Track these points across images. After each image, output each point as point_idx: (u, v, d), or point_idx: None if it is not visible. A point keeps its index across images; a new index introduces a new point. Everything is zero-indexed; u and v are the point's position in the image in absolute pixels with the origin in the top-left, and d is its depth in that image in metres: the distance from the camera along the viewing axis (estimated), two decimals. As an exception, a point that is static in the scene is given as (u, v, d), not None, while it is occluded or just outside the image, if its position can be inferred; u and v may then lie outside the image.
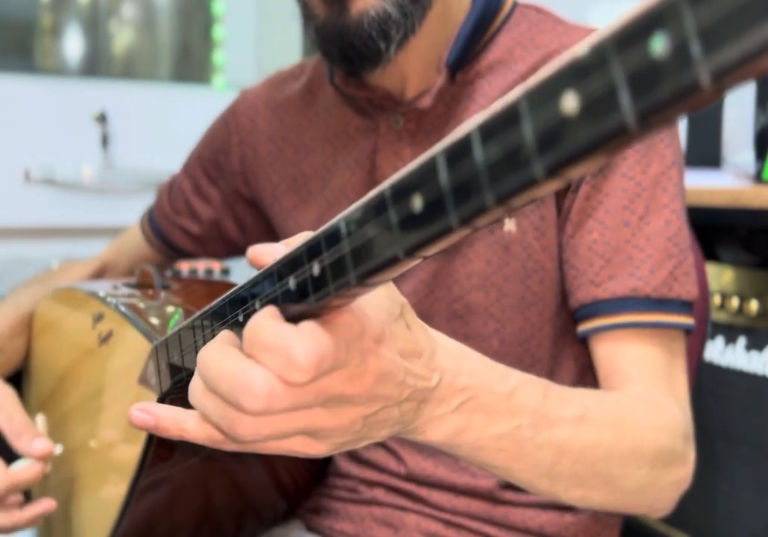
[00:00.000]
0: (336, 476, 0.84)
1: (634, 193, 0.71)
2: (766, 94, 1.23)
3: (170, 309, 0.72)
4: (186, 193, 0.98)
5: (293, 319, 0.39)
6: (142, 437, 0.63)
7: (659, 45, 0.21)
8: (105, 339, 0.73)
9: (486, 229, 0.74)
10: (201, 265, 1.75)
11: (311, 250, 0.37)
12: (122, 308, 0.70)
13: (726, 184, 1.23)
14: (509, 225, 0.74)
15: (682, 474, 0.65)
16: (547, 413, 0.53)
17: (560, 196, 0.73)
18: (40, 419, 0.81)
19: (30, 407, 0.84)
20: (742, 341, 1.18)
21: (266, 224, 0.94)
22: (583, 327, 0.72)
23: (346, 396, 0.41)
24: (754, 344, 1.16)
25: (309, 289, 0.37)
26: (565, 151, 0.24)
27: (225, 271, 1.80)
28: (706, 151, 1.41)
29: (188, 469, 0.66)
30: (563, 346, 0.77)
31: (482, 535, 0.77)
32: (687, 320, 0.71)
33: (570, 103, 0.24)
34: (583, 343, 0.75)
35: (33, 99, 2.13)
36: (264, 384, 0.38)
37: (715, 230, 1.23)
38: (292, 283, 0.38)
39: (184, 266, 1.68)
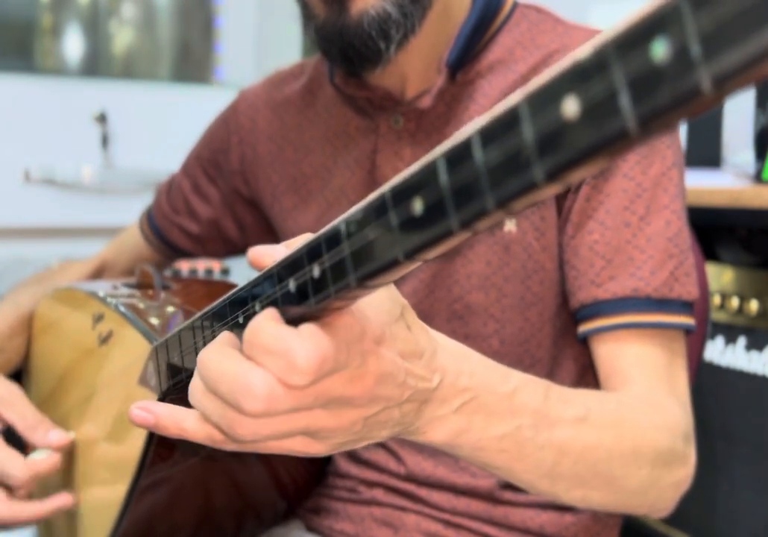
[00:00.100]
0: (336, 476, 0.84)
1: (634, 193, 0.71)
2: (766, 95, 1.23)
3: (170, 309, 0.72)
4: (185, 193, 0.98)
5: (293, 321, 0.39)
6: (143, 437, 0.63)
7: (660, 49, 0.21)
8: (105, 339, 0.73)
9: (485, 231, 0.74)
10: (201, 265, 1.75)
11: (311, 252, 0.37)
12: (122, 308, 0.70)
13: (726, 184, 1.23)
14: (509, 225, 0.74)
15: (682, 474, 0.65)
16: (548, 413, 0.53)
17: (561, 196, 0.73)
18: (41, 419, 0.81)
19: (30, 407, 0.84)
20: (742, 341, 1.18)
21: (265, 224, 0.94)
22: (584, 327, 0.72)
23: (347, 397, 0.41)
24: (754, 344, 1.16)
25: (309, 291, 0.37)
26: (565, 155, 0.24)
27: (225, 272, 1.80)
28: (706, 151, 1.41)
29: (188, 469, 0.67)
30: (563, 347, 0.77)
31: (482, 535, 0.77)
32: (687, 320, 0.71)
33: (571, 107, 0.24)
34: (583, 343, 0.75)
35: (33, 99, 2.13)
36: (264, 386, 0.38)
37: (715, 230, 1.23)
38: (292, 285, 0.38)
39: (184, 266, 1.68)
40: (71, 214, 2.16)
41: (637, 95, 0.22)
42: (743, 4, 0.20)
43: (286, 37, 2.49)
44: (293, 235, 0.44)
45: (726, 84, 0.20)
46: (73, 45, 2.39)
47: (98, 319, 0.74)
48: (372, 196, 0.33)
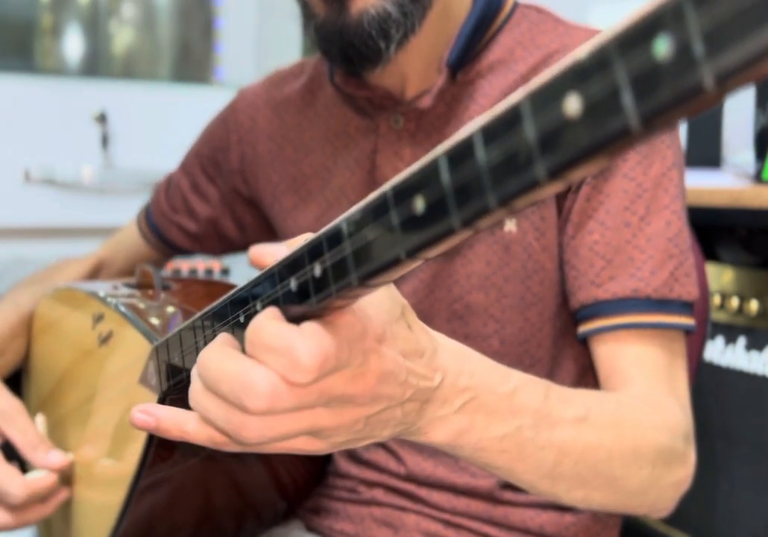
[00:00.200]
0: (336, 476, 0.84)
1: (635, 193, 0.71)
2: (766, 95, 1.23)
3: (170, 309, 0.71)
4: (184, 191, 0.97)
5: (295, 320, 0.39)
6: (142, 438, 0.63)
7: (663, 47, 0.21)
8: (105, 339, 0.72)
9: (486, 230, 0.74)
10: (201, 265, 1.74)
11: (313, 251, 0.37)
12: (122, 308, 0.70)
13: (726, 184, 1.23)
14: (509, 225, 0.74)
15: (682, 474, 0.65)
16: (549, 414, 0.53)
17: (561, 196, 0.73)
18: (40, 419, 0.81)
19: (29, 407, 0.84)
20: (742, 341, 1.18)
21: (265, 223, 0.94)
22: (584, 328, 0.72)
23: (349, 396, 0.41)
24: (754, 344, 1.16)
25: (310, 290, 0.37)
26: (567, 153, 0.24)
27: (225, 271, 1.80)
28: (706, 151, 1.41)
29: (188, 469, 0.66)
30: (563, 347, 0.77)
31: (482, 535, 0.77)
32: (688, 321, 0.71)
33: (573, 105, 0.24)
34: (583, 343, 0.75)
35: (33, 99, 2.13)
36: (267, 384, 0.38)
37: (715, 230, 1.23)
38: (293, 284, 0.38)
39: (184, 266, 1.68)
40: (71, 214, 2.16)
41: (640, 93, 0.22)
42: (745, 2, 0.20)
43: (286, 37, 2.49)
44: (293, 234, 0.45)
45: (728, 81, 0.20)
46: (73, 45, 2.39)
47: (98, 319, 0.74)
48: (373, 195, 0.33)
